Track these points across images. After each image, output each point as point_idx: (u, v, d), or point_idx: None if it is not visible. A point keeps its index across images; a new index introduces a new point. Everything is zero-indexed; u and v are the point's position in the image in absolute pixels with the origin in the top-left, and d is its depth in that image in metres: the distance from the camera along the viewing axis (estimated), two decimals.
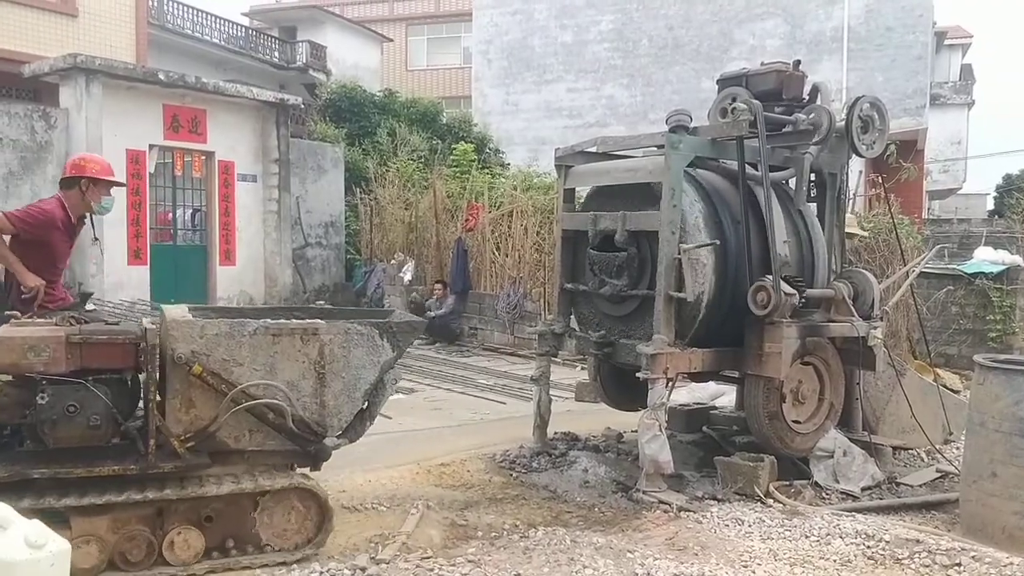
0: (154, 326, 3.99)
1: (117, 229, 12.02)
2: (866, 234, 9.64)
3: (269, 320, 4.15)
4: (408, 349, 4.65)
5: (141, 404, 4.03)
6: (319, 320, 4.22)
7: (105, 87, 11.86)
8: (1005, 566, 4.14)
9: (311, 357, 4.09)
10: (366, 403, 4.34)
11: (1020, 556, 4.29)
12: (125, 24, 17.25)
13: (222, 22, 26.32)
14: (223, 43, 25.99)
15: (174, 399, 3.93)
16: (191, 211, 14.05)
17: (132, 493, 3.79)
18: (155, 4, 22.98)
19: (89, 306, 5.08)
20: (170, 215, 13.82)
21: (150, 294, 12.34)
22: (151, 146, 12.57)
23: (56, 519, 3.58)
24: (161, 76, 12.59)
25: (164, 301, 11.90)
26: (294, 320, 4.28)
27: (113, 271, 11.98)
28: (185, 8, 24.76)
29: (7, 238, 5.02)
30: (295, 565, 4.01)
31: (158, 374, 3.90)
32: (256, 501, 4.04)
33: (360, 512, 4.96)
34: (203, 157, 13.44)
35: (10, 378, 3.78)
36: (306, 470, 4.35)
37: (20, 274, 4.92)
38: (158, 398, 3.91)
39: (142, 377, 3.95)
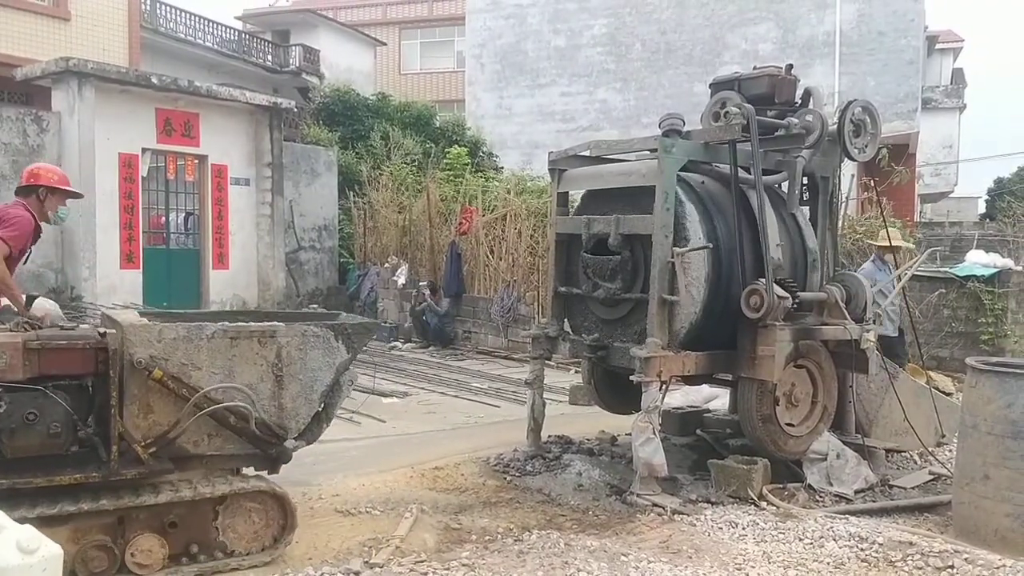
0: (112, 331, 3.95)
1: (110, 233, 12.00)
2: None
3: (227, 323, 4.15)
4: (363, 350, 4.71)
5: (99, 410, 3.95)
6: (276, 323, 4.24)
7: (98, 91, 11.83)
8: (998, 568, 4.16)
9: (269, 360, 4.12)
10: (322, 405, 4.37)
11: (1013, 558, 4.31)
12: (118, 28, 17.20)
13: (215, 26, 26.28)
14: (216, 47, 25.94)
15: (132, 404, 3.89)
16: (184, 215, 14.02)
17: (92, 502, 3.73)
18: (148, 8, 22.93)
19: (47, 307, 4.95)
20: (163, 218, 13.78)
21: (143, 298, 12.30)
22: (144, 149, 12.54)
23: None
24: (154, 79, 12.57)
25: (157, 305, 11.95)
26: (251, 323, 4.28)
27: (105, 275, 11.94)
28: (178, 12, 24.71)
29: None
30: (265, 568, 4.02)
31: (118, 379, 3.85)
32: (217, 506, 4.03)
33: (354, 516, 4.95)
34: (196, 161, 13.40)
35: None
36: (263, 473, 4.35)
37: (15, 300, 4.75)
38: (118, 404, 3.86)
39: (97, 383, 3.87)
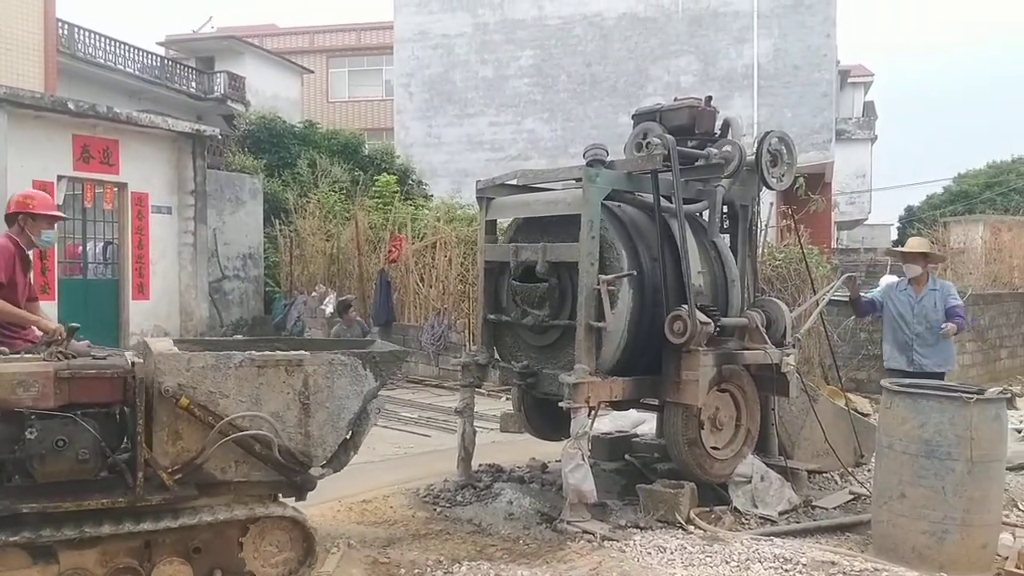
0: (141, 360, 4.09)
1: None
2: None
3: (255, 352, 4.16)
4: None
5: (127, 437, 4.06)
6: (303, 351, 4.26)
7: (11, 116, 11.44)
8: None
9: (296, 388, 4.14)
10: (350, 433, 4.37)
11: (929, 574, 4.44)
12: (33, 52, 16.75)
13: (137, 51, 25.75)
14: (138, 73, 25.42)
15: (161, 432, 3.96)
16: (103, 244, 13.60)
17: (120, 526, 3.83)
18: (65, 33, 22.35)
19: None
20: (80, 248, 13.35)
21: None
22: (60, 177, 12.15)
23: (45, 553, 3.79)
24: (70, 105, 12.22)
25: (74, 337, 11.52)
26: (278, 352, 4.32)
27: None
28: (97, 37, 24.14)
29: None
30: None
31: (145, 407, 3.93)
32: (243, 531, 4.09)
33: None
34: (115, 188, 13.05)
35: None
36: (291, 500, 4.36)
37: (36, 323, 4.92)
38: (145, 431, 3.94)
39: (128, 411, 3.97)
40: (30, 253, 5.34)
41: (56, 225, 5.40)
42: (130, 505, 3.89)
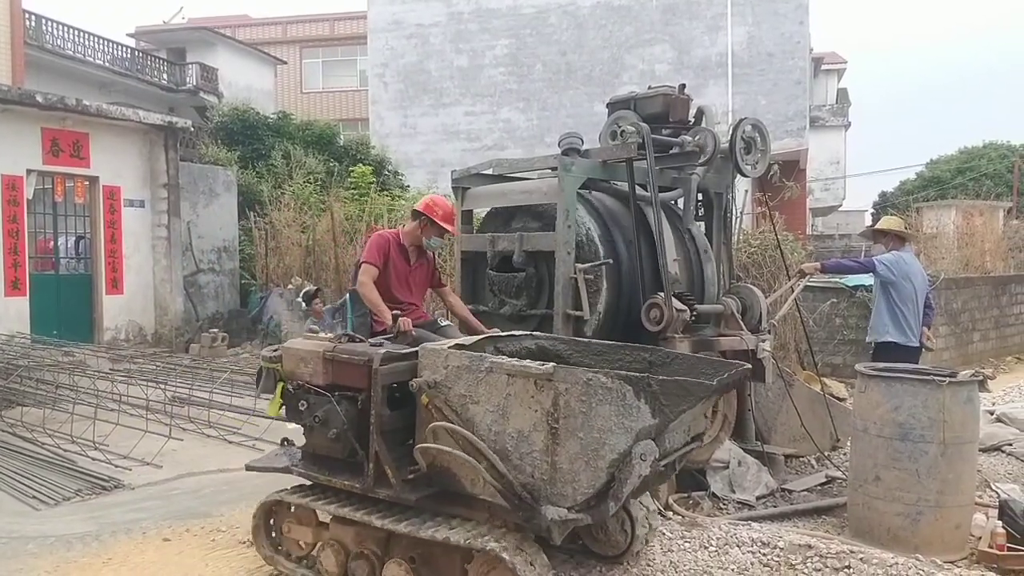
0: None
1: None
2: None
3: (504, 357, 3.78)
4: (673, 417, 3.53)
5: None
6: (553, 364, 3.58)
7: None
8: (891, 566, 4.33)
9: (544, 407, 3.49)
10: (610, 476, 3.42)
11: (904, 555, 4.49)
12: None
13: (106, 43, 25.39)
14: (108, 64, 25.08)
15: (421, 429, 3.83)
16: (75, 238, 13.42)
17: (367, 514, 3.88)
18: (32, 24, 21.99)
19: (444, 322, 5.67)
20: (51, 243, 13.16)
21: (31, 326, 11.70)
22: (29, 171, 11.96)
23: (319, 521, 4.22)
24: (39, 98, 12.02)
25: (46, 333, 11.40)
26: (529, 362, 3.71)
27: None
28: (66, 28, 23.78)
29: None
30: None
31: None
32: (469, 558, 3.70)
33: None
34: (86, 182, 12.87)
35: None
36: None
37: (380, 313, 5.27)
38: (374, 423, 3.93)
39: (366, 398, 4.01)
40: (411, 249, 5.71)
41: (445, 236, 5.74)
42: (363, 493, 3.94)
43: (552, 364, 3.54)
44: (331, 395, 4.02)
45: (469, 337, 4.53)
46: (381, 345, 4.15)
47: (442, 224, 5.59)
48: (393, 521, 3.79)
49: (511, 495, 3.53)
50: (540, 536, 3.62)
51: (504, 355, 3.99)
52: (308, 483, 4.31)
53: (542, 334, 4.72)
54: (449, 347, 3.90)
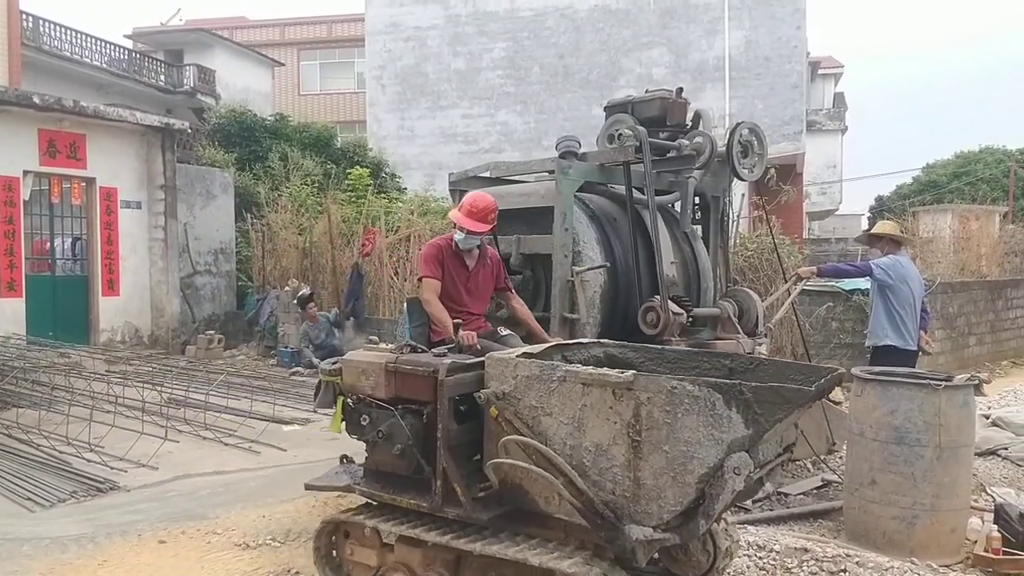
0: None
1: None
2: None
3: (578, 366, 3.59)
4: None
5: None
6: (632, 372, 3.37)
7: None
8: (886, 570, 4.34)
9: (624, 418, 3.26)
10: (700, 493, 3.18)
11: (900, 559, 4.50)
12: None
13: (104, 44, 25.40)
14: (105, 66, 25.07)
15: (490, 444, 3.60)
16: (71, 240, 13.40)
17: (438, 534, 3.66)
18: (30, 25, 21.99)
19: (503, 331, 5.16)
20: (48, 244, 13.14)
21: (26, 328, 11.68)
22: (26, 172, 11.94)
23: (383, 542, 3.92)
24: (36, 99, 12.01)
25: (42, 334, 11.38)
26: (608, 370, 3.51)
27: None
28: (63, 30, 23.78)
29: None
30: None
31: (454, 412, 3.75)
32: None
33: (253, 549, 4.81)
34: (83, 184, 12.86)
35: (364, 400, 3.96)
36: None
37: (440, 323, 4.89)
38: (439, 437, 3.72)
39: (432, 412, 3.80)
40: (465, 252, 5.20)
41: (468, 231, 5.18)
42: (431, 512, 3.70)
43: (632, 372, 3.33)
44: (394, 408, 3.82)
45: (535, 345, 4.27)
46: (445, 355, 3.96)
47: (464, 219, 5.16)
48: (468, 541, 3.55)
49: (591, 513, 3.31)
50: (619, 557, 3.41)
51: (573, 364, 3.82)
52: (369, 502, 4.06)
53: (610, 341, 4.46)
54: (517, 356, 3.68)
